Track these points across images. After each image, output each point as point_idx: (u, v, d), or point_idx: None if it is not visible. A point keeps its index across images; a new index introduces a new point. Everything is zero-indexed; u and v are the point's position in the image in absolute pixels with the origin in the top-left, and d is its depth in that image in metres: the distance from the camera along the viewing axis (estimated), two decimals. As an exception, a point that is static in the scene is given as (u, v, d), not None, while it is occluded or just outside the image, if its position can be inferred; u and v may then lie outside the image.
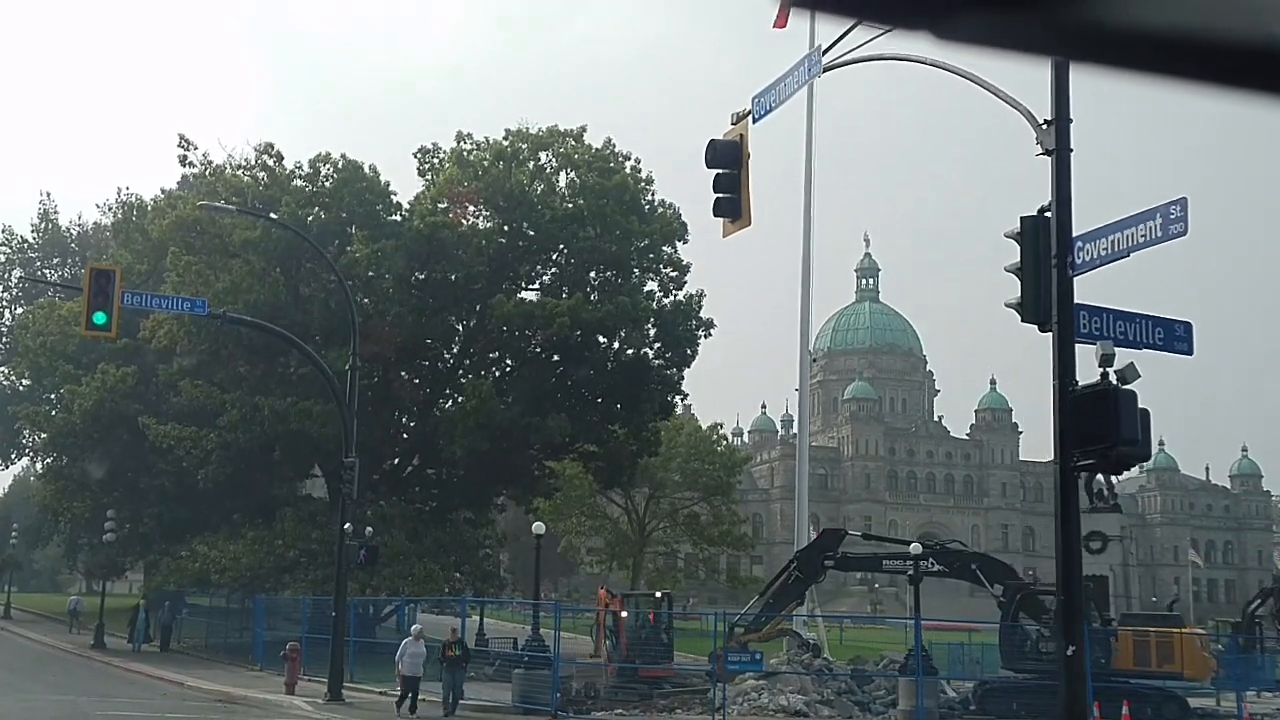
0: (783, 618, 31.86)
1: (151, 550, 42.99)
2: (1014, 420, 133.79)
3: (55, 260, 67.87)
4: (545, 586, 63.51)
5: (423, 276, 39.58)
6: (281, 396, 38.83)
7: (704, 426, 68.23)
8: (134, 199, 48.60)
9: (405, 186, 42.47)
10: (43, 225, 67.43)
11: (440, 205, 39.98)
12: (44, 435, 46.89)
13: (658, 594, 31.17)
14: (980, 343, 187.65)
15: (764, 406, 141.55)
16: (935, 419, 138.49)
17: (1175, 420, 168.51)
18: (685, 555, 68.50)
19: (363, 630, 39.32)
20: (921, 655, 25.15)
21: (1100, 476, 34.37)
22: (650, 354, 40.42)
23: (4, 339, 64.14)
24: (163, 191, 44.84)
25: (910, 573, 28.61)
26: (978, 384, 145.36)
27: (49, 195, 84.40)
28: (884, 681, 27.50)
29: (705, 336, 41.51)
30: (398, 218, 40.73)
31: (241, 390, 39.36)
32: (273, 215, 38.91)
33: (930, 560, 30.77)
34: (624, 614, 27.21)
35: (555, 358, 40.63)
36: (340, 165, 39.95)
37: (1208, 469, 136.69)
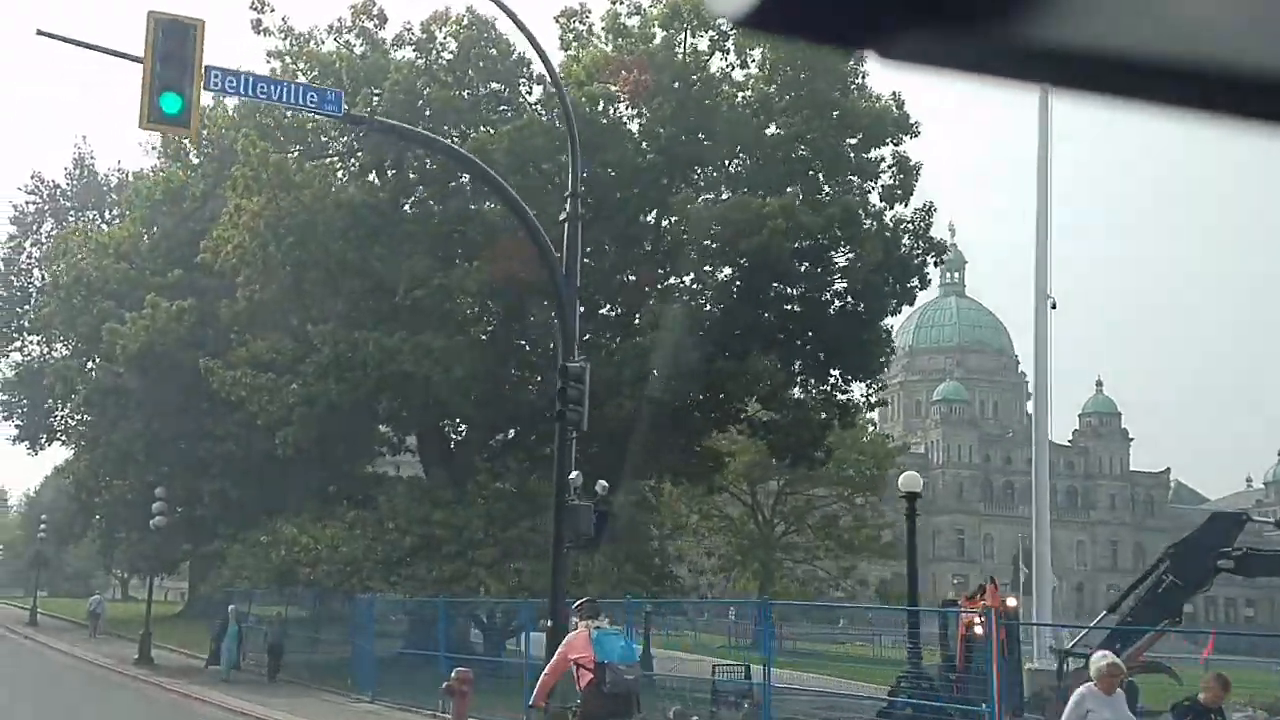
0: (1153, 641, 21.81)
1: (217, 537, 33.12)
2: (1124, 426, 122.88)
3: (90, 213, 58.84)
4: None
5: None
6: (388, 333, 29.18)
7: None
8: (191, 101, 39.03)
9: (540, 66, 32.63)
10: (77, 172, 58.51)
11: (587, 88, 30.30)
12: (77, 395, 37.32)
13: (1010, 601, 21.08)
14: (1081, 341, 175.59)
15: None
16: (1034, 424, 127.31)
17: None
18: (814, 564, 58.11)
19: (489, 648, 29.69)
20: None
21: None
22: (886, 280, 30.13)
23: (34, 302, 54.72)
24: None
25: None
26: (1078, 386, 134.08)
27: (85, 139, 76.01)
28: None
29: (936, 264, 31.47)
30: (538, 94, 31.13)
31: (335, 323, 29.70)
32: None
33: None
34: (979, 626, 17.17)
35: (756, 280, 30.37)
36: (464, 23, 30.23)
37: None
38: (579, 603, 11.42)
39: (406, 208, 32.46)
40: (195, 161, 38.60)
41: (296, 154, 31.89)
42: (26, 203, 57.39)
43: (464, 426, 35.39)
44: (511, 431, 35.93)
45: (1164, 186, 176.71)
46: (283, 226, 29.46)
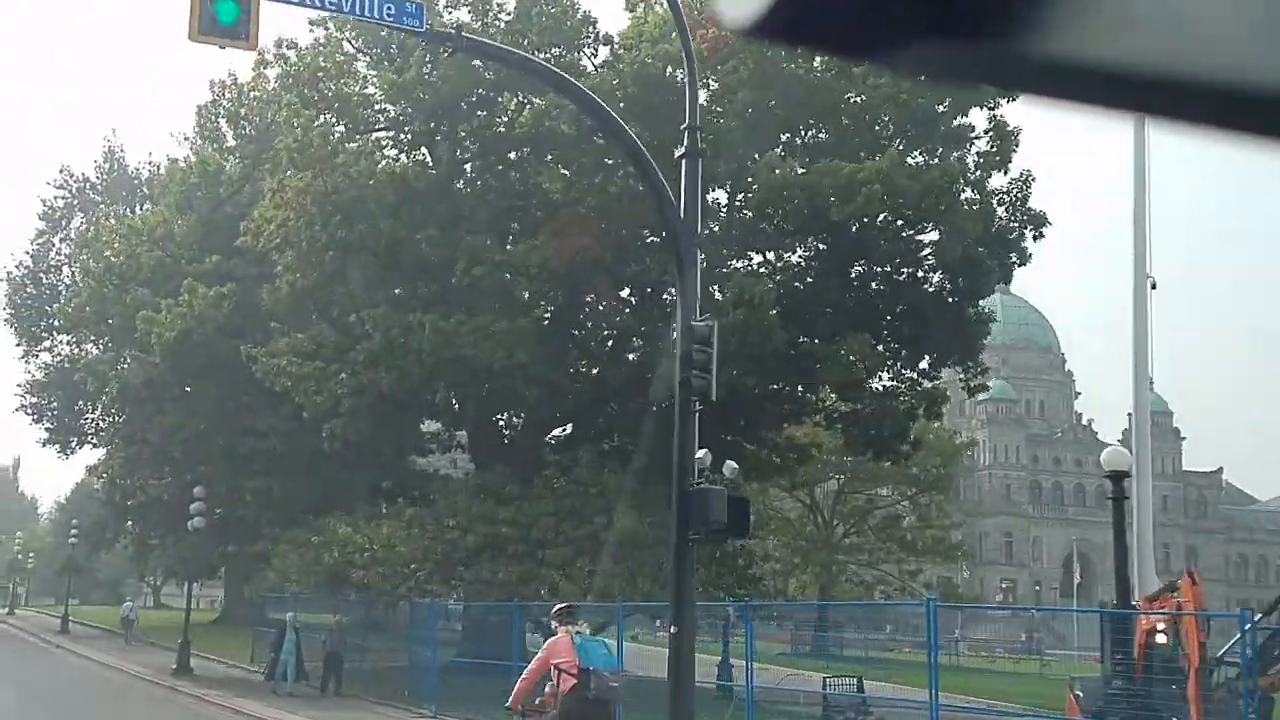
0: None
1: (260, 538, 30.80)
2: (1175, 425, 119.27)
3: (120, 207, 57.02)
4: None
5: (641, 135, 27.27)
6: (443, 316, 26.88)
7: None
8: (228, 79, 36.81)
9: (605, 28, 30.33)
10: (107, 165, 56.69)
11: (661, 46, 27.98)
12: (110, 390, 35.17)
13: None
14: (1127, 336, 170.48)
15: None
16: (1084, 423, 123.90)
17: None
18: (879, 567, 55.37)
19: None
20: None
21: None
22: (984, 255, 27.52)
23: (63, 299, 52.81)
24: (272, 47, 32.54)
25: None
26: (1125, 384, 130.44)
27: (114, 132, 74.81)
28: None
29: (1036, 238, 28.92)
30: (604, 56, 28.88)
31: (387, 307, 27.44)
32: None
33: None
34: (1162, 633, 14.57)
35: (842, 255, 27.86)
36: (523, -18, 28.02)
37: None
38: (558, 608, 11.35)
39: (460, 184, 30.27)
40: (232, 143, 36.62)
41: (342, 129, 29.80)
42: (55, 197, 55.65)
43: (520, 418, 33.10)
44: (569, 426, 33.64)
45: (1208, 182, 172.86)
46: (330, 203, 27.30)
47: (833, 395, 31.83)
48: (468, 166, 30.65)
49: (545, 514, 24.65)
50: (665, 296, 31.55)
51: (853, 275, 29.52)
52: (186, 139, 48.75)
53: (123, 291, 33.55)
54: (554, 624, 11.00)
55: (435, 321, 26.03)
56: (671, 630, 12.66)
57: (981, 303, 30.07)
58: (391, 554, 24.51)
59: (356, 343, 28.42)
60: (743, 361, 25.39)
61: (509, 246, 28.16)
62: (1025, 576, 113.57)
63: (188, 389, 33.18)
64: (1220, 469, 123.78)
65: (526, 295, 27.47)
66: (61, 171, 55.79)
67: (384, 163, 29.69)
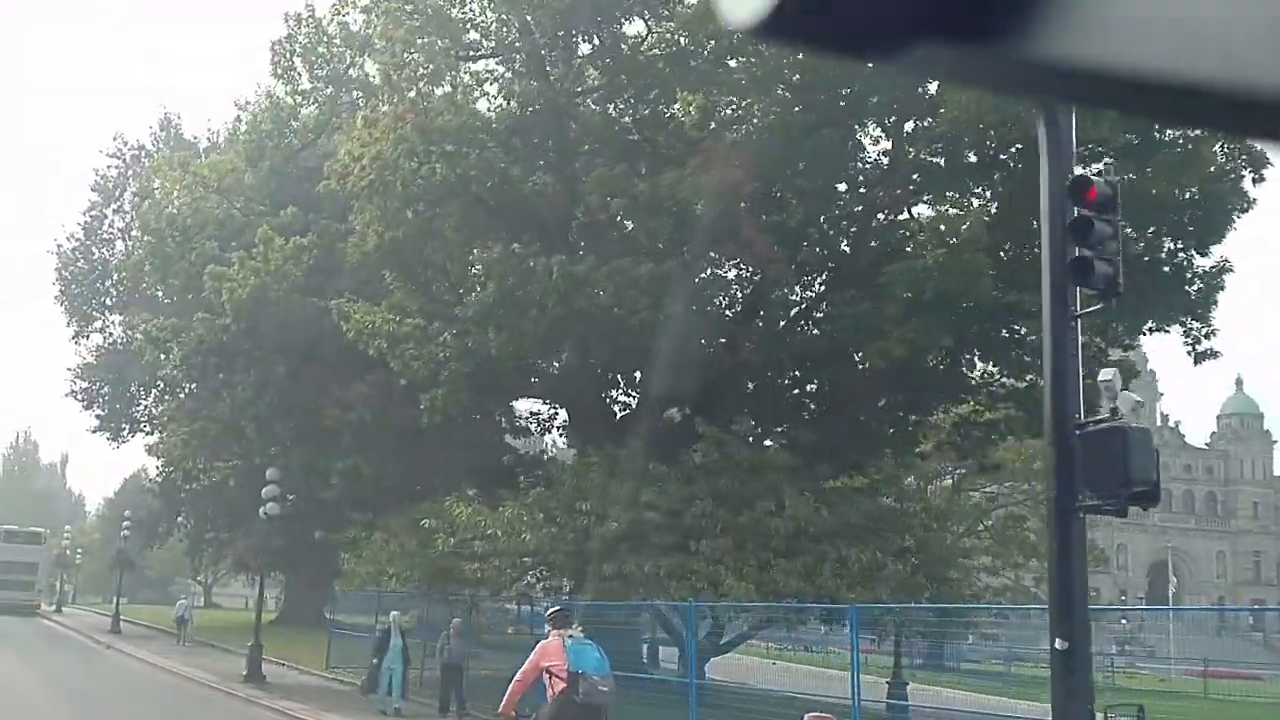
0: None
1: (350, 523, 26.55)
2: (1266, 427, 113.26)
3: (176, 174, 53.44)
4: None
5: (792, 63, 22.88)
6: (569, 260, 22.60)
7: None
8: (306, 11, 32.68)
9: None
10: (163, 134, 53.17)
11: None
12: (171, 357, 31.11)
13: None
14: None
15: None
16: (1171, 425, 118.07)
17: None
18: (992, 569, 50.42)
19: (685, 668, 23.11)
20: None
21: None
22: (1222, 191, 22.78)
23: (117, 273, 49.15)
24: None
25: None
26: (1213, 384, 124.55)
27: (170, 101, 71.42)
28: None
29: (1256, 181, 24.16)
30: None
31: (501, 250, 23.16)
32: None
33: None
34: None
35: (1025, 196, 23.32)
36: None
37: None
38: (552, 610, 11.44)
39: (579, 114, 26.04)
40: (306, 85, 32.72)
41: (438, 64, 25.71)
42: (108, 167, 52.20)
43: (636, 392, 28.84)
44: (686, 405, 29.29)
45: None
46: (435, 130, 23.18)
47: (993, 368, 27.60)
48: (582, 94, 26.48)
49: (698, 497, 20.37)
50: (803, 244, 27.23)
51: (1036, 223, 25.09)
52: (247, 103, 44.98)
53: (186, 247, 29.65)
54: (547, 626, 10.97)
55: (564, 264, 21.77)
56: (1057, 644, 8.32)
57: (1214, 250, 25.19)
58: (515, 542, 20.23)
59: (451, 307, 24.37)
60: (938, 314, 21.04)
61: (649, 176, 23.94)
62: (1109, 584, 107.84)
63: (258, 357, 29.19)
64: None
65: (669, 237, 23.04)
66: (115, 139, 52.37)
67: (483, 99, 25.78)
